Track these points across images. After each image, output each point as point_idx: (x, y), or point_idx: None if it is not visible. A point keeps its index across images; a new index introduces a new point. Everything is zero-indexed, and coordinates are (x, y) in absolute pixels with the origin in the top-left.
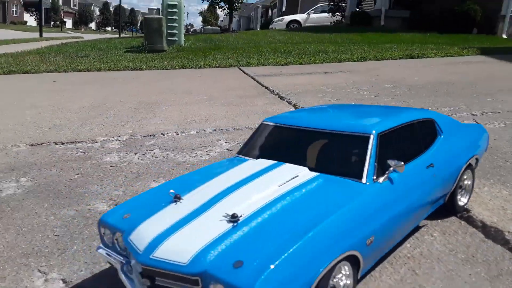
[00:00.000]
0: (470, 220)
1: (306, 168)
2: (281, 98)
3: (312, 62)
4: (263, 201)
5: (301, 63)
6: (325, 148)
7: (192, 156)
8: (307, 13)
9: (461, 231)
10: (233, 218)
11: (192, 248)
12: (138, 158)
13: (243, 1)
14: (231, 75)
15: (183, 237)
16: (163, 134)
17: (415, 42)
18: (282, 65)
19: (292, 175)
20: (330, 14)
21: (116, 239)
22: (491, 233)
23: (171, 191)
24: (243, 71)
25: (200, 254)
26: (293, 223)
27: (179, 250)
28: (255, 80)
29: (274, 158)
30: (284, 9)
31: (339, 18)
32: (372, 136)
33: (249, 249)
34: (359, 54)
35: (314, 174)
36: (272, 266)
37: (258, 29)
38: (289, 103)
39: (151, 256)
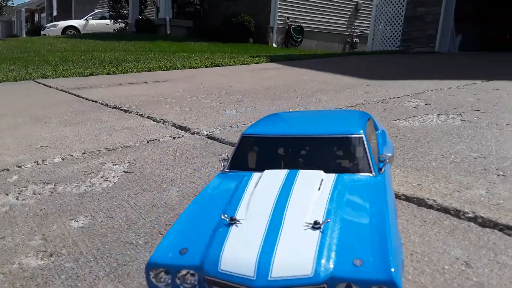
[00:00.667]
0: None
1: (321, 171)
2: (126, 111)
3: (120, 72)
4: (321, 206)
5: (108, 73)
6: (324, 152)
7: (88, 186)
8: (85, 19)
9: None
10: (316, 225)
11: (305, 260)
12: (18, 199)
13: (7, 4)
14: (33, 90)
15: (285, 252)
16: (19, 167)
17: (204, 51)
18: (87, 75)
19: (319, 178)
20: (112, 21)
21: (181, 278)
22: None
23: (224, 215)
24: (44, 84)
25: (317, 262)
26: (364, 219)
27: (294, 264)
28: (71, 94)
29: (276, 167)
30: (55, 13)
31: (122, 25)
32: (363, 136)
33: (354, 248)
34: (166, 63)
35: (334, 175)
36: (390, 258)
37: (24, 35)
38: (142, 116)
39: (270, 278)
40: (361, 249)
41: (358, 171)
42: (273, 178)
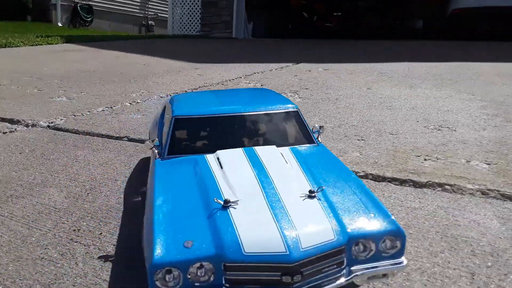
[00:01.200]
0: None
1: (274, 146)
2: None
3: None
4: (301, 177)
5: None
6: (268, 128)
7: None
8: None
9: None
10: (312, 194)
11: (324, 226)
12: None
13: None
14: None
15: (303, 223)
16: None
17: None
18: None
19: (277, 153)
20: None
21: (192, 274)
22: None
23: (217, 199)
24: None
25: (332, 227)
26: (343, 183)
27: (317, 233)
28: None
29: (221, 147)
30: None
31: None
32: (299, 110)
33: (355, 208)
34: None
35: (287, 148)
36: (388, 211)
37: None
38: None
39: (301, 249)
40: (361, 208)
41: (304, 143)
42: (234, 157)
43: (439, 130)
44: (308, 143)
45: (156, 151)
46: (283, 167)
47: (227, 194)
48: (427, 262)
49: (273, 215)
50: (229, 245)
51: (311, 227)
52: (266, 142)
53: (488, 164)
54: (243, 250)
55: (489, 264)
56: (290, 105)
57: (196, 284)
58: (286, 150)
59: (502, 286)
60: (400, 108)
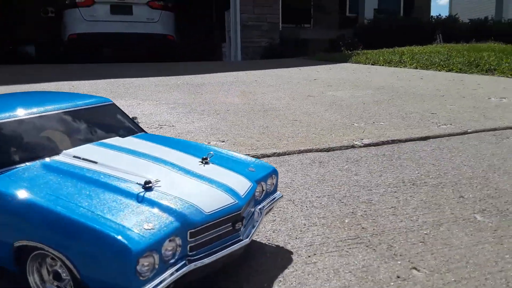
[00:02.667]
0: None
1: (118, 137)
2: None
3: None
4: (176, 153)
5: None
6: (91, 123)
7: None
8: None
9: None
10: (205, 160)
11: (240, 178)
12: None
13: None
14: None
15: (226, 179)
16: None
17: None
18: None
19: (134, 141)
20: None
21: (164, 254)
22: None
23: (138, 182)
24: None
25: (246, 177)
26: (209, 151)
27: (241, 183)
28: None
29: (51, 150)
30: None
31: None
32: (112, 102)
33: (245, 164)
34: None
35: (130, 136)
36: (263, 161)
37: None
38: None
39: (242, 196)
40: (245, 162)
41: (135, 132)
42: (96, 152)
43: (161, 128)
44: (140, 132)
45: None
46: (152, 148)
47: (135, 179)
48: None
49: (201, 180)
50: (190, 212)
51: (234, 181)
52: (98, 137)
53: (223, 141)
54: (204, 212)
55: None
56: (107, 100)
57: (168, 263)
58: (137, 138)
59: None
60: None
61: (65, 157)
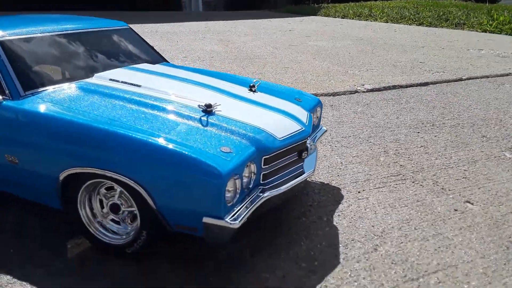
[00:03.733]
0: None
1: (146, 63)
2: None
3: None
4: (217, 80)
5: None
6: (109, 48)
7: None
8: None
9: None
10: (252, 88)
11: (297, 108)
12: None
13: None
14: None
15: (288, 107)
16: None
17: None
18: None
19: (166, 66)
20: None
21: (247, 176)
22: None
23: (198, 105)
24: None
25: (299, 106)
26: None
27: (300, 113)
28: None
29: (84, 70)
30: None
31: None
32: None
33: (294, 94)
34: None
35: (158, 64)
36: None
37: None
38: None
39: (307, 125)
40: (288, 93)
41: (160, 60)
42: (134, 75)
43: None
44: (164, 60)
45: None
46: (191, 75)
47: (191, 103)
48: None
49: (260, 106)
50: (263, 138)
51: (293, 108)
52: (126, 61)
53: None
54: (277, 138)
55: None
56: (121, 23)
57: (245, 190)
58: (162, 65)
59: None
60: None
61: (100, 79)
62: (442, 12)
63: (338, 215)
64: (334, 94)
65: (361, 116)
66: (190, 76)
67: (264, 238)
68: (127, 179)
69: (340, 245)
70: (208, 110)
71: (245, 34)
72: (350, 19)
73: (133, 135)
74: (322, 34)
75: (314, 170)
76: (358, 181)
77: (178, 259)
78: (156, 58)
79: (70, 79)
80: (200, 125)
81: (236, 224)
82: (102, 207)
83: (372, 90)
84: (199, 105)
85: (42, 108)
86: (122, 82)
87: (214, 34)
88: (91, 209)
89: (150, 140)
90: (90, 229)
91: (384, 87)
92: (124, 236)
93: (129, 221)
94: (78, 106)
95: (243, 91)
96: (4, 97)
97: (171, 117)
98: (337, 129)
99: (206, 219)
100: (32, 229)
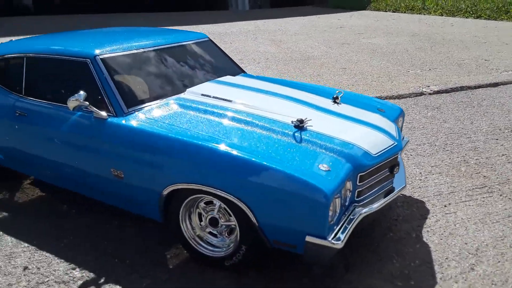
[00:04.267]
0: None
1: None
2: None
3: None
4: (298, 92)
5: None
6: (200, 59)
7: None
8: None
9: None
10: (337, 100)
11: (383, 120)
12: None
13: None
14: None
15: (372, 121)
16: None
17: None
18: None
19: (252, 79)
20: None
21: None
22: None
23: (292, 121)
24: None
25: (384, 117)
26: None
27: (388, 126)
28: None
29: (176, 85)
30: None
31: None
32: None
33: (375, 104)
34: None
35: (239, 76)
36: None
37: None
38: None
39: (398, 138)
40: (370, 103)
41: (238, 72)
42: (222, 90)
43: None
44: (242, 71)
45: (93, 110)
46: (274, 87)
47: (282, 118)
48: None
49: (348, 120)
50: (359, 154)
51: (381, 121)
52: (211, 75)
53: None
54: (372, 154)
55: None
56: (202, 35)
57: (342, 208)
58: (242, 77)
59: None
60: None
61: (193, 95)
62: (502, 4)
63: (427, 231)
64: (399, 97)
65: (432, 121)
66: (274, 89)
67: (354, 254)
68: (230, 196)
69: (435, 264)
70: (300, 125)
71: (296, 33)
72: (402, 13)
73: (238, 155)
74: (375, 30)
75: (405, 185)
76: (442, 193)
77: (274, 273)
78: (235, 69)
79: (165, 95)
80: (295, 142)
81: (339, 245)
82: (200, 220)
83: (439, 92)
84: (292, 121)
85: (146, 125)
86: (213, 97)
87: (264, 34)
88: (190, 222)
89: (254, 160)
90: (191, 242)
91: (451, 88)
92: (223, 249)
93: (226, 234)
94: (179, 122)
95: (328, 103)
96: (108, 114)
97: (267, 133)
98: (409, 135)
99: (309, 238)
100: (133, 239)
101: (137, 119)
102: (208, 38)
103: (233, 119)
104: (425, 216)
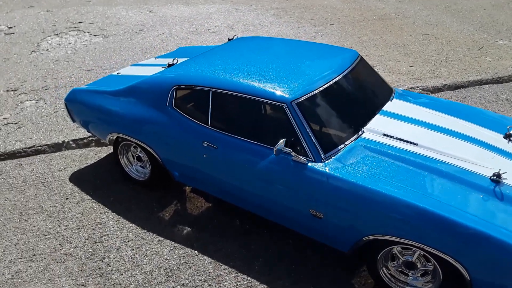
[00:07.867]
0: None
1: (388, 101)
2: None
3: None
4: (466, 123)
5: None
6: (359, 84)
7: None
8: None
9: None
10: (509, 137)
11: None
12: None
13: None
14: None
15: None
16: None
17: None
18: None
19: (411, 105)
20: None
21: None
22: None
23: (491, 178)
24: None
25: None
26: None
27: None
28: None
29: (353, 121)
30: None
31: None
32: (359, 54)
33: None
34: None
35: (396, 99)
36: None
37: None
38: None
39: None
40: None
41: (390, 92)
42: (402, 128)
43: None
44: (390, 90)
45: (293, 155)
46: (446, 120)
47: (476, 168)
48: None
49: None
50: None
51: None
52: (375, 103)
53: (373, 66)
54: None
55: None
56: (353, 51)
57: None
58: (401, 102)
59: None
60: None
61: (374, 135)
62: None
63: None
64: (500, 80)
65: None
66: (444, 123)
67: None
68: (446, 255)
69: None
70: (497, 180)
71: None
72: None
73: (454, 218)
74: None
75: None
76: None
77: None
78: (386, 87)
79: (349, 135)
80: (499, 200)
81: None
82: (393, 261)
83: None
84: (491, 176)
85: (344, 173)
86: (396, 138)
87: None
88: (387, 265)
89: (472, 225)
90: (384, 279)
91: None
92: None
93: (418, 275)
94: (373, 171)
95: (502, 142)
96: (307, 159)
97: (468, 189)
98: None
99: None
100: (309, 263)
101: (334, 166)
102: (358, 54)
103: (428, 169)
104: None
